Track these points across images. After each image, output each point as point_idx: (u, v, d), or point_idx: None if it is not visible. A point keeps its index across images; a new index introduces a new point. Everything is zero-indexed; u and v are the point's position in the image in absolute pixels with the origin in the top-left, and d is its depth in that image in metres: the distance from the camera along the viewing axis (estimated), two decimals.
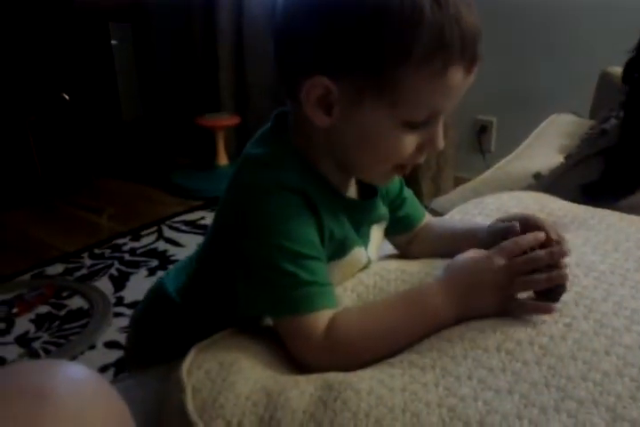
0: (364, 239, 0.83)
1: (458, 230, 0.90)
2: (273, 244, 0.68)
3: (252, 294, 0.71)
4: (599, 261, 0.78)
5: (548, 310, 0.66)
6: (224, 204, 0.78)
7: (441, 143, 0.72)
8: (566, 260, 0.73)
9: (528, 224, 0.74)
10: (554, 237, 0.72)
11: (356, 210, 0.80)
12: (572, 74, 2.13)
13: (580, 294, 0.70)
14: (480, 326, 0.66)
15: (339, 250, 0.77)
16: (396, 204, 0.90)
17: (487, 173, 1.60)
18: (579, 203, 1.03)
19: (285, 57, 0.72)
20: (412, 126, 0.69)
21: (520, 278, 0.67)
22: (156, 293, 0.96)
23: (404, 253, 0.93)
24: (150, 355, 0.90)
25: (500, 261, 0.68)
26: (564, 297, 0.69)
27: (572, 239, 0.85)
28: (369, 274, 0.82)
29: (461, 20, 0.64)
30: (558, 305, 0.68)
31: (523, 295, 0.70)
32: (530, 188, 1.32)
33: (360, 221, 0.81)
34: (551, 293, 0.69)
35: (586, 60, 2.01)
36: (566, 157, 1.43)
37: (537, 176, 1.41)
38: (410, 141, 0.70)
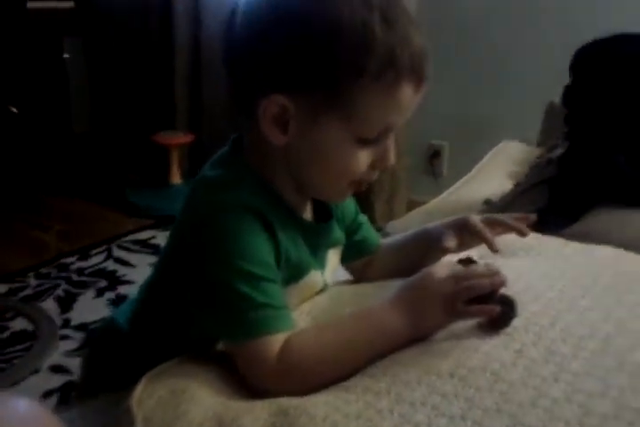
0: (321, 263, 0.83)
1: (409, 238, 0.92)
2: (227, 265, 0.68)
3: (205, 317, 0.71)
4: (547, 289, 0.80)
5: (491, 311, 0.68)
6: (177, 225, 0.78)
7: (392, 158, 0.74)
8: (516, 287, 0.76)
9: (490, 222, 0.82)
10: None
11: (311, 233, 0.80)
12: (521, 103, 2.21)
13: (528, 320, 0.72)
14: (433, 350, 0.67)
15: (295, 273, 0.77)
16: (352, 228, 0.91)
17: (440, 198, 1.63)
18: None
19: (240, 76, 0.73)
20: (365, 143, 0.70)
21: (462, 307, 0.69)
22: (106, 325, 0.96)
23: (359, 279, 0.94)
24: (101, 387, 0.88)
25: (448, 286, 0.69)
26: (515, 322, 0.70)
27: (521, 266, 0.87)
28: (325, 297, 0.82)
29: (410, 40, 0.67)
30: (509, 330, 0.70)
31: (472, 322, 0.71)
32: (481, 213, 1.35)
33: (316, 244, 0.81)
34: (502, 318, 0.70)
35: (534, 89, 2.08)
36: (515, 185, 1.48)
37: (488, 202, 1.44)
38: (363, 158, 0.72)
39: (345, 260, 0.92)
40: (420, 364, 0.65)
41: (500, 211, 1.33)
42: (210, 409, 0.61)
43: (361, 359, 0.68)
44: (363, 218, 0.93)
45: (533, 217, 0.85)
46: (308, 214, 0.82)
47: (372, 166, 0.74)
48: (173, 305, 0.77)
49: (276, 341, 0.67)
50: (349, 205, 0.90)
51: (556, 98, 1.75)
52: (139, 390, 0.65)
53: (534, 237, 1.01)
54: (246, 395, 0.67)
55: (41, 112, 2.61)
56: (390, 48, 0.65)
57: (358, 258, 0.93)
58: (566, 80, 1.38)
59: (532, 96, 2.00)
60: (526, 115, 2.00)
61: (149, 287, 0.85)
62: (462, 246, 0.84)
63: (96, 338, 0.99)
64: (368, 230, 0.94)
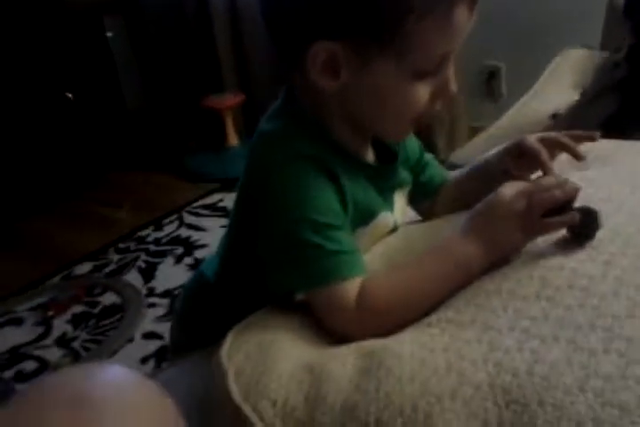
0: (390, 204, 0.81)
1: (471, 172, 0.88)
2: (294, 216, 0.67)
3: (279, 269, 0.71)
4: (630, 195, 0.75)
5: (572, 220, 0.65)
6: (243, 183, 0.77)
7: (454, 87, 0.71)
8: (597, 197, 0.71)
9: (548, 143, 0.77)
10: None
11: (376, 175, 0.78)
12: (578, 6, 2.05)
13: (613, 230, 0.67)
14: (516, 274, 0.64)
15: (365, 216, 0.76)
16: (417, 169, 0.89)
17: (503, 119, 1.56)
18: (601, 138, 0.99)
19: (282, 26, 0.70)
20: (422, 75, 0.67)
21: (539, 222, 0.65)
22: (195, 278, 0.98)
23: (428, 219, 0.91)
24: (193, 341, 0.90)
25: (520, 203, 0.66)
26: (599, 234, 0.66)
27: (598, 176, 0.82)
28: (397, 237, 0.80)
29: None
30: (594, 243, 0.65)
31: (557, 235, 0.67)
32: (549, 129, 1.28)
33: (382, 186, 0.79)
34: (585, 231, 0.66)
35: None
36: (582, 94, 1.39)
37: (555, 116, 1.37)
38: (423, 91, 0.69)
39: (413, 200, 0.90)
40: (503, 290, 0.62)
41: (569, 123, 1.26)
42: (298, 358, 0.61)
43: (440, 294, 0.66)
44: (428, 157, 0.91)
45: (597, 134, 0.79)
46: (370, 157, 0.80)
47: (433, 99, 0.70)
48: (250, 260, 0.77)
49: (351, 286, 0.66)
50: (413, 145, 0.88)
51: None
52: (227, 345, 0.65)
53: (610, 144, 0.95)
54: (332, 342, 0.66)
55: (94, 94, 2.64)
56: None
57: (426, 198, 0.91)
58: None
59: None
60: (584, 18, 1.86)
61: (226, 243, 0.86)
62: (523, 170, 0.79)
63: (187, 292, 1.01)
64: (434, 169, 0.91)
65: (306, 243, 0.66)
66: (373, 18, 0.63)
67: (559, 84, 1.60)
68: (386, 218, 0.79)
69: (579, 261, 0.63)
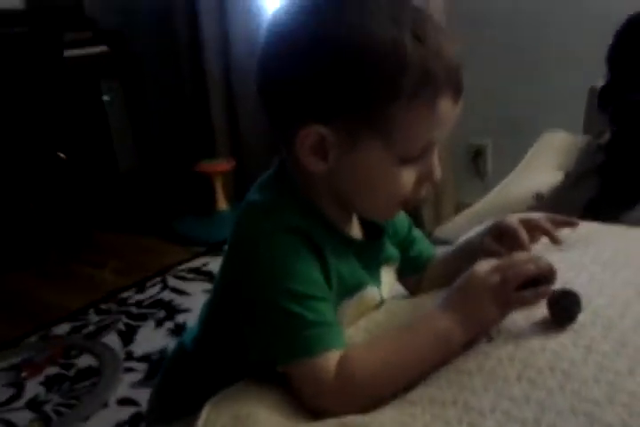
0: (376, 279, 0.82)
1: (455, 251, 0.90)
2: (277, 286, 0.67)
3: (258, 339, 0.70)
4: (611, 279, 0.76)
5: (546, 293, 0.67)
6: (228, 252, 0.78)
7: (438, 174, 0.73)
8: (578, 280, 0.73)
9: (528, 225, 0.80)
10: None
11: (362, 250, 0.79)
12: (561, 91, 2.14)
13: (595, 313, 0.68)
14: (498, 354, 0.64)
15: (350, 288, 0.76)
16: (405, 244, 0.90)
17: (488, 197, 1.59)
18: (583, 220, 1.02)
19: (274, 107, 0.73)
20: (408, 161, 0.69)
21: (514, 295, 0.67)
22: (175, 348, 0.96)
23: (416, 294, 0.92)
24: (171, 412, 0.88)
25: (494, 278, 0.67)
26: (580, 317, 0.67)
27: (581, 258, 0.83)
28: (380, 312, 0.80)
29: (443, 53, 0.66)
30: (575, 326, 0.66)
31: (539, 316, 0.68)
32: (532, 209, 1.31)
33: (368, 261, 0.80)
34: (567, 312, 0.67)
35: (574, 76, 2.02)
36: (566, 176, 1.43)
37: (538, 197, 1.40)
38: (408, 176, 0.70)
39: (401, 275, 0.91)
40: (485, 370, 0.63)
41: (553, 205, 1.29)
42: None
43: (419, 368, 0.66)
44: (417, 233, 0.92)
45: (576, 222, 0.82)
46: (357, 232, 0.81)
47: (419, 183, 0.72)
48: (230, 328, 0.76)
49: (330, 358, 0.66)
50: (402, 220, 0.89)
51: (598, 83, 1.70)
52: (203, 417, 0.64)
53: (592, 227, 0.97)
54: (310, 417, 0.65)
55: (87, 155, 2.68)
56: (424, 64, 0.64)
57: (414, 273, 0.92)
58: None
59: (573, 83, 1.93)
60: (568, 103, 1.94)
61: (207, 310, 0.85)
62: (505, 249, 0.80)
63: (167, 363, 0.99)
64: (423, 245, 0.92)
65: (286, 312, 0.66)
66: (363, 101, 0.65)
67: (542, 166, 1.65)
68: (372, 292, 0.80)
69: (560, 344, 0.64)
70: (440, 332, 0.67)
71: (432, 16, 0.70)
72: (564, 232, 0.90)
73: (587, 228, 0.97)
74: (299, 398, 0.67)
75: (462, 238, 0.95)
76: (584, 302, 0.67)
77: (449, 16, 2.19)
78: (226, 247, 0.78)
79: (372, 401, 0.65)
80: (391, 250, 0.86)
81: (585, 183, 1.27)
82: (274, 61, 0.70)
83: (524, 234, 0.78)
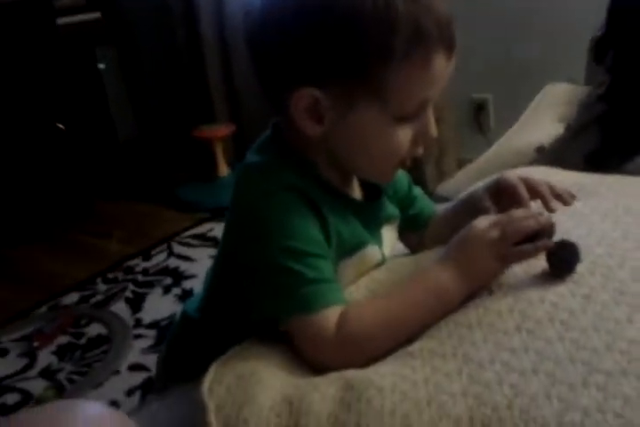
0: (377, 239, 0.82)
1: (457, 206, 0.89)
2: (275, 244, 0.68)
3: (260, 297, 0.71)
4: (611, 229, 0.75)
5: (545, 246, 0.67)
6: (228, 215, 0.78)
7: (434, 131, 0.72)
8: (577, 231, 0.72)
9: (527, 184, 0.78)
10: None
11: (362, 210, 0.79)
12: (563, 42, 2.10)
13: (594, 263, 0.68)
14: (497, 307, 0.65)
15: (349, 248, 0.76)
16: (406, 202, 0.90)
17: (489, 152, 1.57)
18: (585, 172, 1.00)
19: (267, 71, 0.72)
20: (404, 120, 0.69)
21: (512, 249, 0.67)
22: (178, 319, 0.97)
23: (416, 252, 0.92)
24: (177, 379, 0.89)
25: (493, 232, 0.67)
26: (579, 268, 0.66)
27: (581, 209, 0.82)
28: (381, 270, 0.80)
29: (434, 9, 0.65)
30: (575, 276, 0.66)
31: (538, 268, 0.68)
32: (534, 162, 1.30)
33: (368, 221, 0.80)
34: (565, 263, 0.67)
35: (577, 26, 1.97)
36: (566, 128, 1.41)
37: (540, 150, 1.38)
38: (404, 135, 0.70)
39: (402, 234, 0.91)
40: (484, 322, 0.63)
41: (554, 157, 1.28)
42: (278, 391, 0.60)
43: (419, 322, 0.67)
44: (417, 191, 0.92)
45: (572, 201, 0.78)
46: (356, 193, 0.82)
47: (415, 142, 0.72)
48: (234, 290, 0.77)
49: (331, 314, 0.66)
50: (402, 178, 0.89)
51: (599, 33, 1.66)
52: (208, 378, 0.65)
53: (594, 178, 0.96)
54: (313, 372, 0.66)
55: (85, 125, 2.66)
56: (415, 22, 0.64)
57: (415, 231, 0.92)
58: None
59: (574, 34, 1.89)
60: (570, 54, 1.90)
61: (212, 275, 0.86)
62: (504, 205, 0.79)
63: (171, 331, 1.01)
64: (423, 203, 0.92)
65: (287, 270, 0.67)
66: (356, 63, 0.65)
67: (544, 118, 1.63)
68: (372, 251, 0.80)
69: (559, 294, 0.64)
70: (439, 286, 0.67)
71: None
72: (566, 182, 0.89)
73: (589, 178, 0.96)
74: (301, 356, 0.68)
75: (463, 194, 0.94)
76: (583, 252, 0.67)
77: None
78: (227, 213, 0.79)
79: (373, 355, 0.65)
80: (391, 208, 0.85)
81: (585, 134, 1.25)
82: (264, 24, 0.70)
83: (523, 191, 0.77)
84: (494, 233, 0.67)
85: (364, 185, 0.83)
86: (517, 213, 0.70)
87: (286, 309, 0.68)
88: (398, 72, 0.65)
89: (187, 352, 0.90)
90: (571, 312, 0.61)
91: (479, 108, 2.42)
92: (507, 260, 0.68)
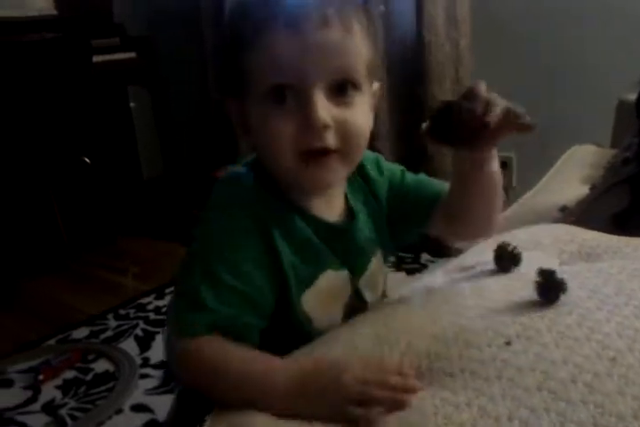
0: (349, 264, 0.78)
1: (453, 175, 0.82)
2: (203, 263, 0.69)
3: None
4: (638, 289, 0.73)
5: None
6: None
7: (315, 115, 0.65)
8: (605, 290, 0.70)
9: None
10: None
11: (332, 235, 0.76)
12: (589, 104, 2.11)
13: (621, 324, 0.65)
14: (517, 362, 0.62)
15: (308, 277, 0.74)
16: (400, 195, 0.84)
17: (511, 210, 1.56)
18: (609, 233, 0.99)
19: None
20: (278, 103, 0.66)
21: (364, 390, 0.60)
22: None
23: (446, 236, 0.93)
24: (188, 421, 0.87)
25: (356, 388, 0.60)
26: (607, 328, 0.64)
27: (607, 269, 0.81)
28: (363, 322, 0.75)
29: None
30: (600, 337, 0.63)
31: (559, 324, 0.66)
32: (557, 221, 1.28)
33: (341, 246, 0.77)
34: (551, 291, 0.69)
35: (602, 88, 1.99)
36: (591, 188, 1.40)
37: (563, 209, 1.37)
38: (283, 125, 0.66)
39: (419, 223, 0.84)
40: (504, 377, 0.60)
41: (577, 217, 1.26)
42: None
43: (234, 390, 0.64)
44: (412, 179, 0.85)
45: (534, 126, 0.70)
46: (334, 214, 0.78)
47: (301, 132, 0.66)
48: None
49: (195, 342, 0.67)
50: (394, 172, 0.85)
51: (627, 95, 1.67)
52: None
53: (619, 239, 0.94)
54: (309, 422, 0.62)
55: (111, 160, 2.70)
56: (244, 9, 0.68)
57: (428, 218, 0.83)
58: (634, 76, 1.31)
59: (601, 95, 1.90)
60: (596, 116, 1.91)
61: None
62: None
63: None
64: (424, 186, 0.85)
65: (196, 292, 0.67)
66: (225, 59, 0.70)
67: (568, 178, 1.62)
68: (335, 278, 0.77)
69: (584, 356, 0.61)
70: (267, 386, 0.63)
71: None
72: (593, 243, 0.88)
73: (615, 240, 0.94)
74: None
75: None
76: (613, 311, 0.65)
77: (473, 27, 2.18)
78: None
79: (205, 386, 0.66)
80: (366, 233, 0.80)
81: (612, 195, 1.24)
82: None
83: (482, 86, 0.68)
84: (351, 389, 0.60)
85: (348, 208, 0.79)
86: (389, 379, 0.61)
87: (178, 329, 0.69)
88: (249, 62, 0.67)
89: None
90: (595, 375, 0.59)
91: (502, 167, 2.41)
92: (338, 412, 0.59)
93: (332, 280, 0.77)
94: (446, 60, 2.19)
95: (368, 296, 0.83)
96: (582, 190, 1.44)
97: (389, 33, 2.32)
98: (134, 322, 2.05)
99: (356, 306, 0.81)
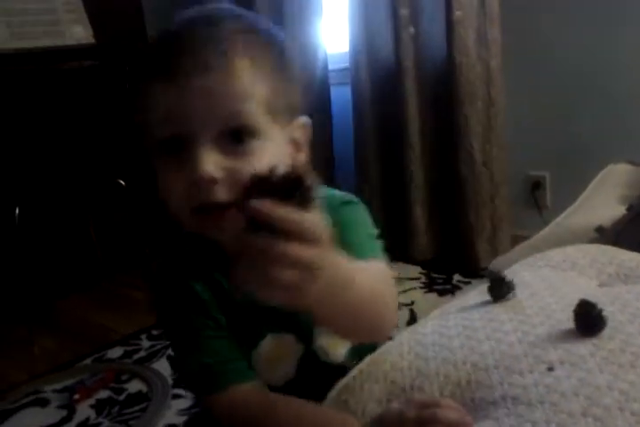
0: (295, 324, 0.74)
1: None
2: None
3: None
4: None
5: None
6: None
7: (199, 167, 0.61)
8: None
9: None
10: None
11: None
12: (624, 121, 2.09)
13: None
14: (560, 387, 0.61)
15: (248, 340, 0.75)
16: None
17: (546, 230, 1.54)
18: None
19: None
20: (169, 154, 0.64)
21: None
22: None
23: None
24: None
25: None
26: (618, 358, 0.63)
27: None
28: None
29: (152, 46, 0.68)
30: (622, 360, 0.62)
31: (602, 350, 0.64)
32: (593, 242, 1.27)
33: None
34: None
35: (637, 106, 1.97)
36: (628, 208, 1.38)
37: (600, 230, 1.35)
38: (174, 179, 0.64)
39: None
40: (547, 401, 0.60)
41: (614, 238, 1.24)
42: None
43: None
44: (354, 237, 0.70)
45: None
46: None
47: (192, 184, 0.63)
48: None
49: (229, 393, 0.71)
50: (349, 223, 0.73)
51: None
52: None
53: None
54: None
55: (145, 183, 2.74)
56: (140, 65, 0.66)
57: None
58: None
59: (636, 113, 1.88)
60: (632, 135, 1.89)
61: None
62: None
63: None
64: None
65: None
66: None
67: (604, 199, 1.60)
68: (280, 341, 0.75)
69: (630, 382, 0.60)
70: None
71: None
72: (630, 264, 0.86)
73: None
74: None
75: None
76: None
77: (504, 48, 2.18)
78: None
79: None
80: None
81: None
82: None
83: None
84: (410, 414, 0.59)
85: None
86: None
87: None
88: (138, 113, 0.65)
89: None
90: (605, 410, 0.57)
91: (536, 186, 2.40)
92: None
93: (277, 343, 0.75)
94: (477, 81, 2.19)
95: (327, 355, 0.77)
96: (619, 210, 1.42)
97: (420, 54, 2.34)
98: (167, 343, 2.06)
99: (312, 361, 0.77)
